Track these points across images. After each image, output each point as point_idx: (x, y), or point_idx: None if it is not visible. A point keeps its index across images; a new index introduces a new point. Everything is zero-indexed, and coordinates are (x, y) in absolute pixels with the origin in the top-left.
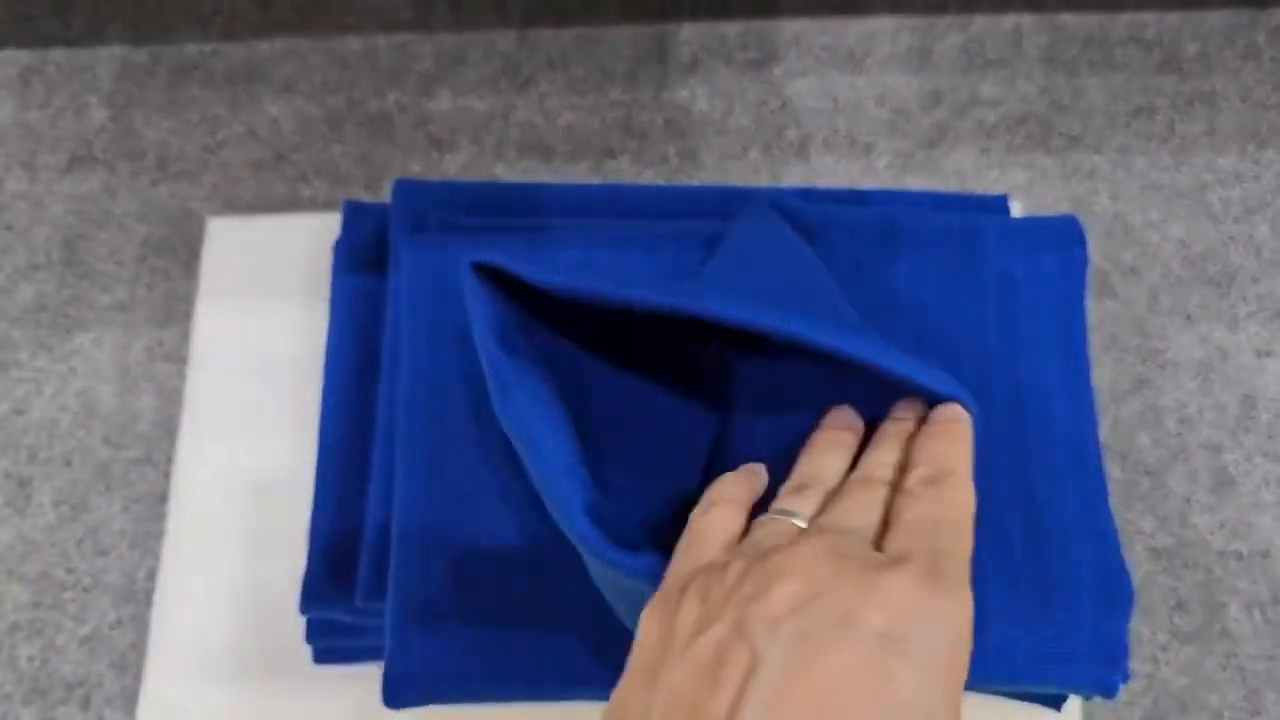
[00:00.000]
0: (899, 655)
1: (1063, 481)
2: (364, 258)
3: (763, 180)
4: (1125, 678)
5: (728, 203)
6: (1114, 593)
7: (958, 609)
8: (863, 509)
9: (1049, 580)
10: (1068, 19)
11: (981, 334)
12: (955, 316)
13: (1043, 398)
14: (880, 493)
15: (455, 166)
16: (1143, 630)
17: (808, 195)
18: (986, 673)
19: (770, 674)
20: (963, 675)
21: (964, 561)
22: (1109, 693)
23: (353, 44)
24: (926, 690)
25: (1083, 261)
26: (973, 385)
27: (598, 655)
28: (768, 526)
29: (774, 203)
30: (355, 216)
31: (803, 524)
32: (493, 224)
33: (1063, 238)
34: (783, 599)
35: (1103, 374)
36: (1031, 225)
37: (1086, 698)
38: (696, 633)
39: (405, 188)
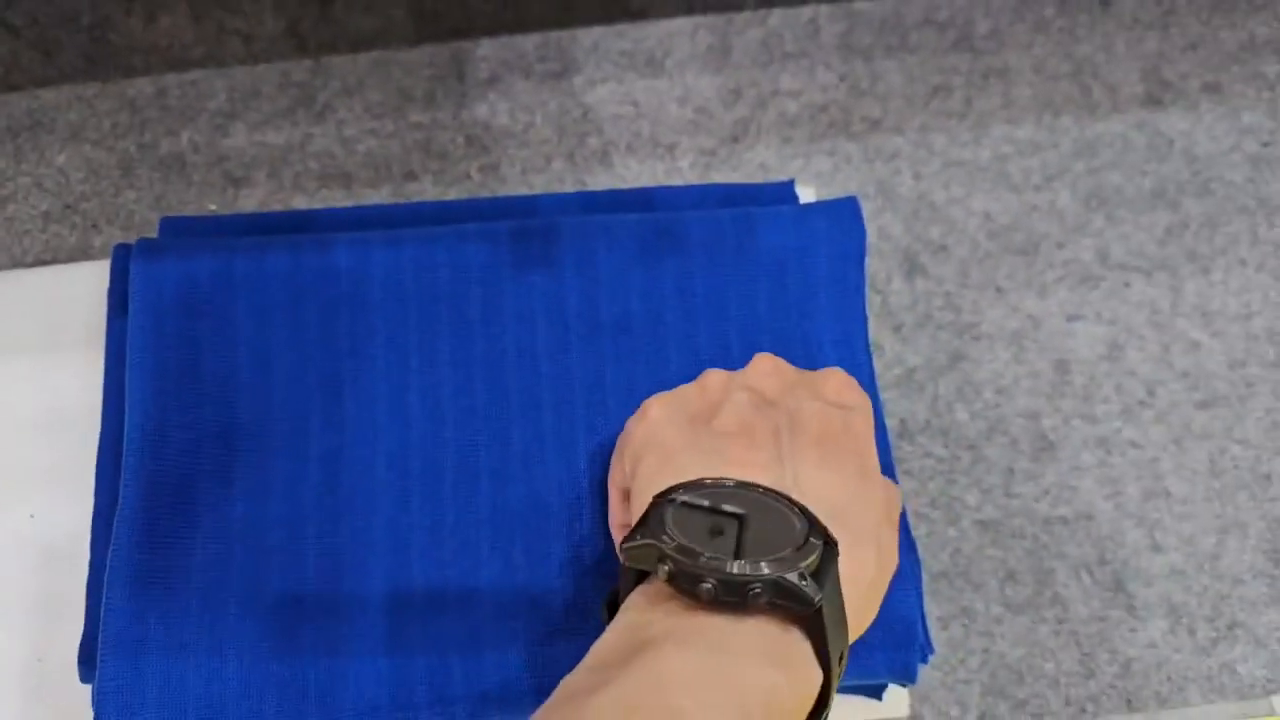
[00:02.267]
0: (849, 411)
1: None
2: None
3: (567, 190)
4: (924, 658)
5: (508, 212)
6: (896, 572)
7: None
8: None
9: None
10: (863, 6)
11: (754, 332)
12: (725, 316)
13: None
14: None
15: (252, 202)
16: (976, 605)
17: (590, 200)
18: None
19: (791, 424)
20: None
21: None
22: (907, 677)
23: (143, 85)
24: (867, 432)
25: (860, 243)
26: None
27: (318, 692)
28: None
29: (544, 216)
30: (127, 260)
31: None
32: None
33: (838, 220)
34: (769, 389)
35: (918, 353)
36: (807, 211)
37: (896, 684)
38: (718, 403)
39: (172, 225)
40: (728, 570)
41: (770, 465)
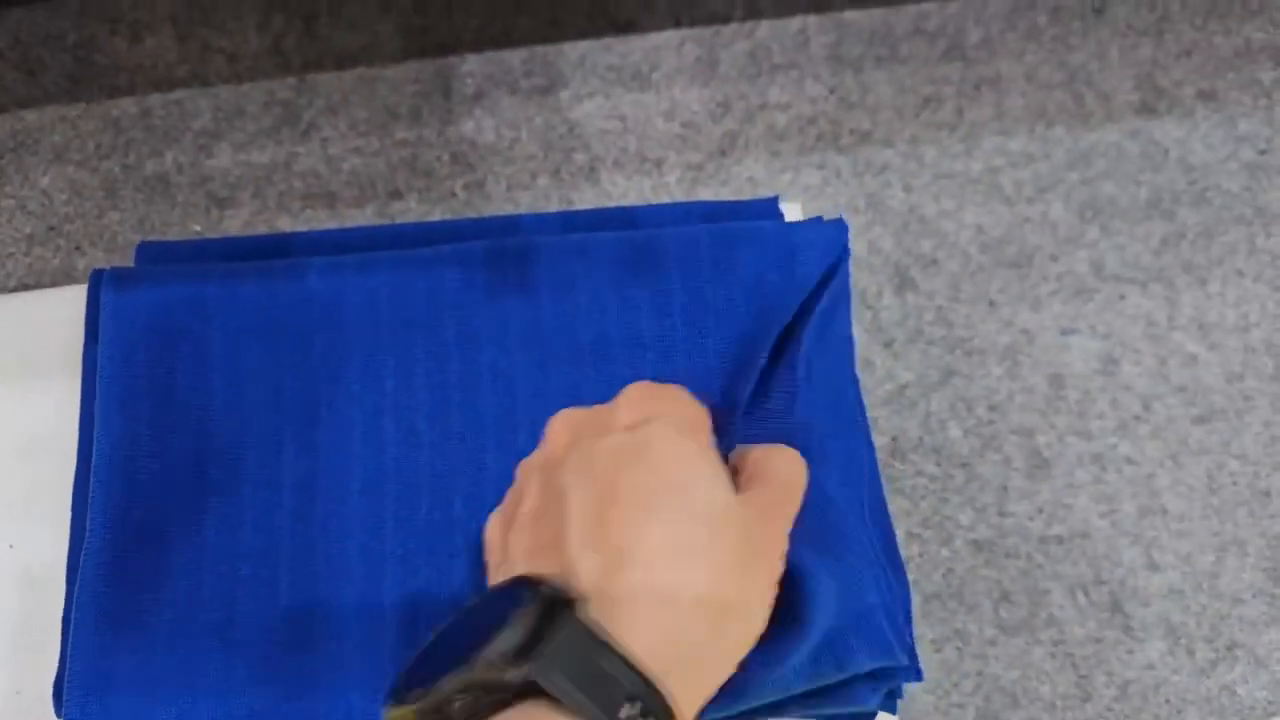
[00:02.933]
0: (647, 427)
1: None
2: None
3: (553, 207)
4: (912, 678)
5: (489, 233)
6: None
7: (683, 394)
8: None
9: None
10: (852, 16)
11: (734, 349)
12: (703, 335)
13: (807, 416)
14: None
15: (237, 223)
16: (969, 627)
17: (572, 220)
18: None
19: (580, 481)
20: (707, 424)
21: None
22: (888, 708)
23: (127, 105)
24: (671, 441)
25: (843, 260)
26: (730, 410)
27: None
28: None
29: (524, 238)
30: (100, 287)
31: None
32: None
33: (820, 237)
34: (559, 450)
35: (910, 368)
36: (788, 228)
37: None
38: (521, 493)
39: (149, 250)
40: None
41: (550, 550)
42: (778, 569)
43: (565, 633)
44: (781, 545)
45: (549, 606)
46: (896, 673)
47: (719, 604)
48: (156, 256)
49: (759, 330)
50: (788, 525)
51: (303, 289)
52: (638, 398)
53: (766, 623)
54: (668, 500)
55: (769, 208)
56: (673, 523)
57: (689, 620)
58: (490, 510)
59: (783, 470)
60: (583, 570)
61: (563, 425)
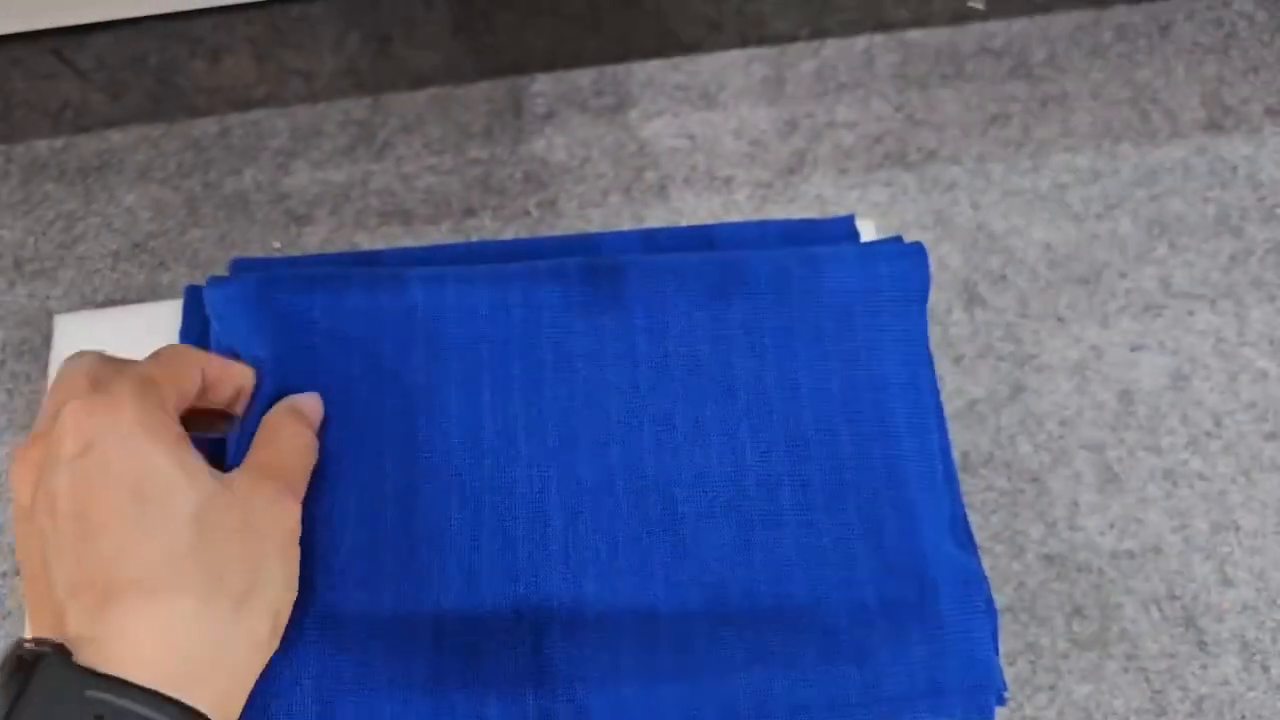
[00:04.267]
0: (96, 448)
1: (915, 518)
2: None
3: (625, 224)
4: (1001, 700)
5: (570, 251)
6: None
7: (127, 385)
8: None
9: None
10: (917, 35)
11: (823, 373)
12: (793, 357)
13: (892, 435)
14: None
15: (315, 240)
16: (1042, 641)
17: (651, 238)
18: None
19: (54, 526)
20: (164, 405)
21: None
22: (984, 718)
23: (207, 125)
24: (135, 449)
25: (924, 284)
26: (816, 427)
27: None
28: None
29: (607, 255)
30: (198, 301)
31: None
32: (313, 273)
33: (902, 260)
34: (23, 495)
35: (979, 384)
36: (872, 251)
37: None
38: None
39: (244, 266)
40: None
41: (39, 611)
42: (289, 528)
43: (43, 682)
44: (286, 505)
45: (26, 662)
46: (989, 689)
47: (229, 596)
48: (251, 270)
49: (846, 352)
50: (293, 479)
51: (405, 302)
52: (81, 415)
53: (296, 588)
54: (141, 515)
55: (845, 226)
56: (153, 536)
57: (199, 624)
58: (587, 521)
59: (284, 429)
60: (71, 619)
61: (23, 468)
